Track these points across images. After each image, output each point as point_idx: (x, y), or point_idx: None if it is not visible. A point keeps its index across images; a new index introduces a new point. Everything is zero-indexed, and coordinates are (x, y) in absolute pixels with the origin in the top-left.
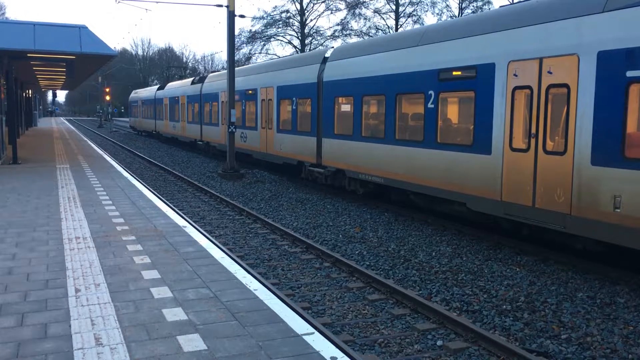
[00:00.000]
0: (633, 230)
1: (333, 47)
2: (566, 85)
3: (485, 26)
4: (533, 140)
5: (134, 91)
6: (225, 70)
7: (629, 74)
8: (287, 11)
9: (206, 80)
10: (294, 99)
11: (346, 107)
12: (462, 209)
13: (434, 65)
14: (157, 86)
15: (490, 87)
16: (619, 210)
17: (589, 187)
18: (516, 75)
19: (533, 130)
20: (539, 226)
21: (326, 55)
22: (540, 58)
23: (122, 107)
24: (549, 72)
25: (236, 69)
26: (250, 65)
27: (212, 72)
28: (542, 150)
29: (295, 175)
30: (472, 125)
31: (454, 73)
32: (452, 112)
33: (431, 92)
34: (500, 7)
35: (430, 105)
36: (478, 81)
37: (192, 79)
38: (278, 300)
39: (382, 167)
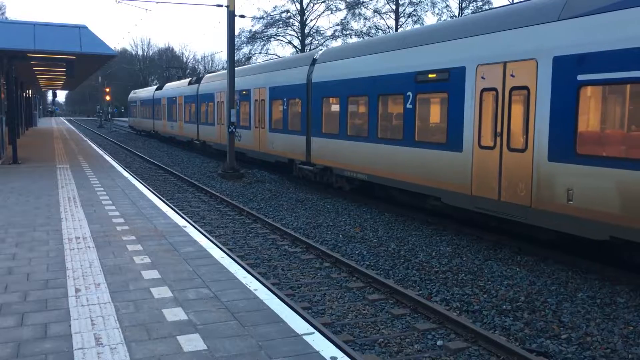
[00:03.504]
0: (583, 221)
1: (322, 50)
2: (526, 88)
3: (457, 32)
4: (499, 139)
5: (133, 91)
6: (221, 71)
7: (580, 77)
8: (287, 11)
9: (202, 81)
10: (285, 99)
11: (333, 107)
12: (437, 203)
13: (412, 68)
14: (156, 86)
15: (461, 88)
16: (571, 203)
17: (546, 182)
18: (484, 78)
19: (498, 129)
20: (505, 218)
21: (315, 57)
22: (504, 62)
23: (122, 107)
24: (512, 75)
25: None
26: (244, 66)
27: (209, 72)
28: (507, 148)
29: (287, 173)
30: (446, 124)
31: (430, 75)
32: (428, 112)
33: (409, 93)
34: (471, 13)
35: (408, 106)
36: (451, 83)
37: (189, 79)
38: (278, 300)
39: (366, 165)
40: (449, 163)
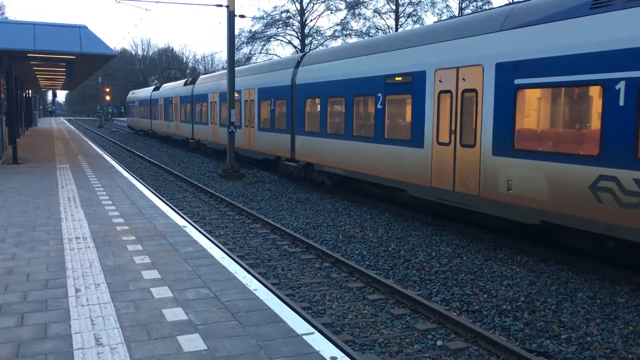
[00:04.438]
0: (520, 208)
1: (306, 53)
2: (475, 90)
3: (420, 39)
4: (453, 136)
5: (131, 92)
6: (214, 73)
7: (517, 81)
8: (287, 11)
9: (197, 82)
10: (272, 100)
11: (314, 108)
12: (404, 195)
13: (382, 72)
14: (153, 87)
15: (423, 91)
16: (511, 192)
17: (491, 174)
18: (441, 81)
19: (453, 127)
20: (458, 207)
21: (299, 60)
22: (457, 67)
23: (122, 107)
24: (463, 79)
25: (223, 72)
26: (236, 68)
27: (203, 74)
28: (459, 144)
29: (274, 169)
30: (410, 123)
31: (396, 78)
32: (395, 111)
33: (379, 94)
34: (435, 22)
35: (379, 106)
36: (414, 86)
37: (184, 80)
38: (278, 300)
39: (343, 161)
40: (412, 158)
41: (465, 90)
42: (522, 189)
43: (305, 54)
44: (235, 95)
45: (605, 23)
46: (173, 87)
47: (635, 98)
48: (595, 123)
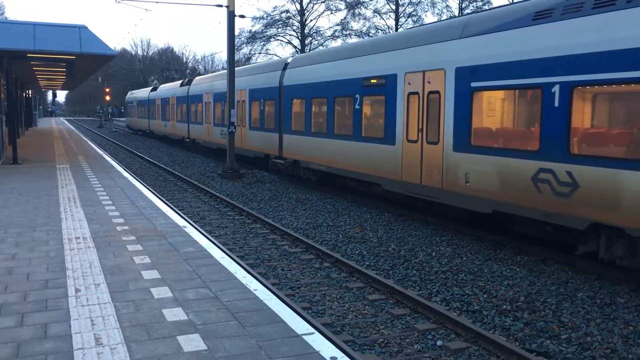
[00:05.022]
0: (476, 198)
1: (293, 56)
2: (438, 92)
3: (392, 45)
4: (420, 133)
5: (130, 92)
6: (208, 74)
7: (473, 84)
8: (287, 11)
9: (192, 83)
10: (262, 100)
11: (300, 108)
12: (379, 189)
13: (359, 74)
14: (151, 88)
15: (394, 92)
16: (468, 184)
17: (452, 168)
18: (410, 84)
19: (420, 126)
20: (425, 199)
21: (287, 62)
22: (423, 71)
23: (122, 107)
24: (429, 82)
25: (216, 73)
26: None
27: (204, 74)
28: (426, 141)
29: (264, 167)
30: (384, 122)
31: (372, 81)
32: (371, 111)
33: (357, 95)
34: (407, 29)
35: (357, 106)
36: (387, 88)
37: (180, 81)
38: (278, 300)
39: (326, 158)
40: (386, 155)
41: (430, 92)
42: (478, 181)
43: (292, 57)
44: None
45: (544, 33)
46: (170, 88)
47: (568, 99)
48: (536, 122)
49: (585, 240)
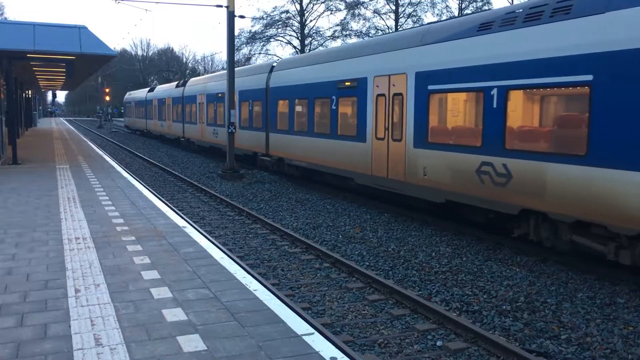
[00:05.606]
0: (432, 190)
1: (279, 60)
2: (401, 94)
3: (363, 51)
4: (387, 132)
5: (128, 93)
6: (202, 76)
7: (429, 87)
8: (287, 12)
9: (187, 84)
10: (251, 101)
11: (284, 108)
12: (352, 183)
13: (335, 77)
14: (148, 89)
15: (365, 94)
16: (426, 177)
17: (412, 163)
18: (378, 86)
19: (387, 125)
20: (391, 191)
21: (273, 65)
22: (389, 75)
23: (122, 108)
24: (393, 85)
25: (209, 75)
26: (219, 72)
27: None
28: (391, 139)
29: (251, 164)
30: (356, 121)
31: (346, 83)
32: (345, 111)
33: (333, 97)
34: (375, 37)
35: (333, 107)
36: (358, 90)
37: (176, 82)
38: (278, 300)
39: (307, 155)
40: (358, 151)
41: (394, 94)
42: (433, 174)
43: (278, 61)
44: (219, 96)
45: (485, 43)
46: (166, 89)
47: (503, 101)
48: (479, 121)
49: (519, 224)
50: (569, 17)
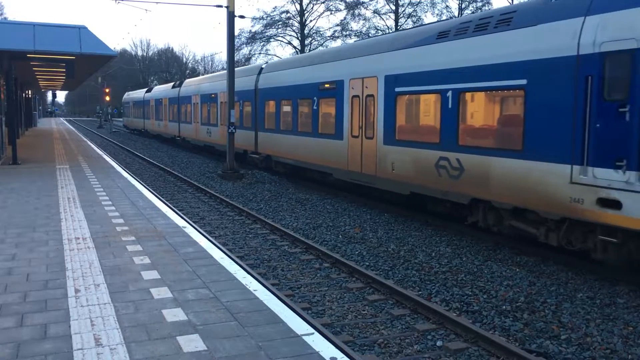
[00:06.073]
0: (399, 182)
1: (267, 62)
2: (373, 96)
3: (341, 56)
4: (361, 130)
5: (126, 93)
6: (197, 77)
7: (396, 89)
8: (287, 12)
9: (183, 85)
10: (241, 101)
11: (272, 109)
12: (332, 178)
13: (316, 79)
14: (145, 89)
15: (342, 95)
16: (394, 171)
17: (382, 158)
18: (353, 88)
19: (361, 124)
20: (365, 185)
21: (262, 67)
22: (362, 78)
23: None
24: (366, 87)
25: (203, 77)
26: (212, 74)
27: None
28: (365, 137)
29: (241, 161)
30: (334, 121)
31: (326, 85)
32: (325, 111)
33: (315, 98)
34: (352, 42)
35: (314, 107)
36: (337, 91)
37: (172, 83)
38: (278, 300)
39: (292, 152)
40: (336, 148)
41: (367, 96)
42: (400, 168)
43: (266, 63)
44: (212, 96)
45: (442, 50)
46: (162, 90)
47: (457, 102)
48: (438, 120)
49: (471, 213)
50: (509, 29)
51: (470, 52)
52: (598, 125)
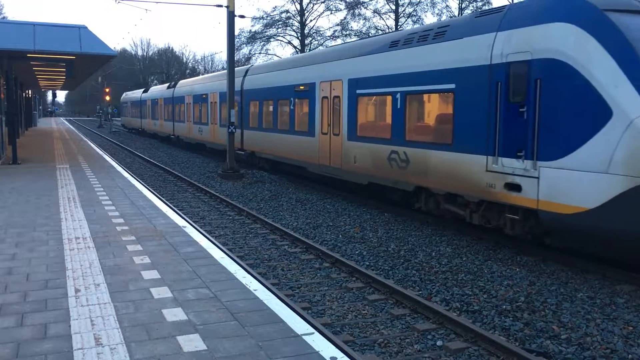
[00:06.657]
0: (360, 174)
1: (252, 65)
2: (339, 97)
3: (313, 60)
4: (329, 128)
5: (124, 94)
6: (191, 78)
7: (357, 91)
8: (287, 11)
9: (177, 86)
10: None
11: (255, 108)
12: (306, 172)
13: (292, 82)
14: (142, 90)
15: (314, 96)
16: (356, 164)
17: (347, 153)
18: (323, 90)
19: (329, 122)
20: (333, 177)
21: (247, 69)
22: (330, 81)
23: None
24: (334, 89)
25: (196, 78)
26: (204, 75)
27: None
28: (332, 134)
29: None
30: (307, 119)
31: (300, 87)
32: (300, 111)
33: (292, 98)
34: (323, 49)
35: (292, 107)
36: (309, 93)
37: (167, 84)
38: (278, 300)
39: (272, 149)
40: (309, 144)
41: (334, 97)
42: (360, 161)
43: (251, 66)
44: (203, 97)
45: (392, 57)
46: (158, 90)
47: (404, 103)
48: (389, 118)
49: (417, 199)
50: (443, 40)
51: (414, 59)
52: (505, 122)
